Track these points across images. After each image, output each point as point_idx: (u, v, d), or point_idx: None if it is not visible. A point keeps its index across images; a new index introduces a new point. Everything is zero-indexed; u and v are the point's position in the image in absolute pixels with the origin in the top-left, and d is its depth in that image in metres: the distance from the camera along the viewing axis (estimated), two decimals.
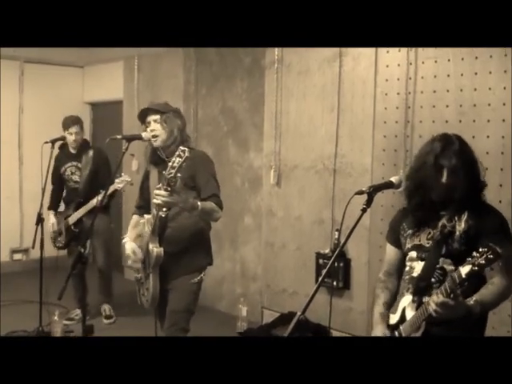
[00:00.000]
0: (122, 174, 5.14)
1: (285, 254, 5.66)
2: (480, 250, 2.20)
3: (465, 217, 2.50)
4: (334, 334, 5.14)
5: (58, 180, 5.74)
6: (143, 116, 3.66)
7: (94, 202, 5.21)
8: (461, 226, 2.49)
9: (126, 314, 5.87)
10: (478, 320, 2.54)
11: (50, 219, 5.64)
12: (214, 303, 6.40)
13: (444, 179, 2.51)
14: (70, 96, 8.33)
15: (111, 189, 4.97)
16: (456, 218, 2.52)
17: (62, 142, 5.58)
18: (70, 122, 5.56)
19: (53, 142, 5.25)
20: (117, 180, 4.92)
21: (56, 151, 5.34)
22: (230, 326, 5.70)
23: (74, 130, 5.54)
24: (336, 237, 5.04)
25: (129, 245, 3.66)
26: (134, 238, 3.68)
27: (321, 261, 5.20)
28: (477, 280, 2.49)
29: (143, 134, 3.57)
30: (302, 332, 4.88)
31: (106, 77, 8.01)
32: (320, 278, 2.26)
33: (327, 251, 5.18)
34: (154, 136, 3.56)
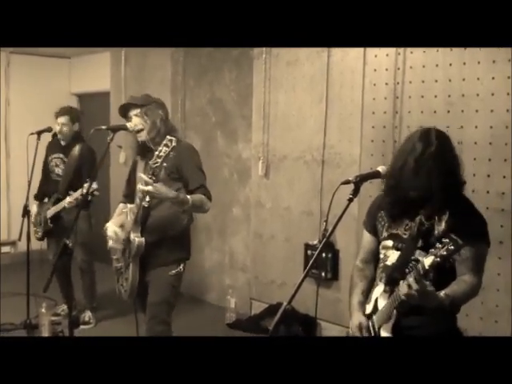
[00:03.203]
0: (94, 183, 4.73)
1: (273, 245, 5.65)
2: (442, 240, 2.23)
3: (445, 217, 2.48)
4: (322, 324, 5.15)
5: (46, 169, 5.63)
6: (125, 111, 3.63)
7: (65, 202, 4.97)
8: (441, 226, 2.47)
9: (115, 308, 5.84)
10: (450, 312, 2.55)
11: (33, 208, 5.47)
12: (202, 294, 6.40)
13: (420, 182, 2.49)
14: (57, 87, 8.27)
15: (75, 195, 4.79)
16: (436, 217, 2.50)
17: (53, 131, 5.48)
18: (60, 112, 5.45)
19: (38, 133, 5.18)
20: (85, 185, 4.50)
21: (42, 143, 5.25)
22: (219, 318, 5.71)
23: (61, 120, 5.42)
24: (324, 227, 5.03)
25: (110, 227, 3.63)
26: (118, 226, 3.65)
27: (309, 252, 5.20)
28: (446, 275, 2.48)
29: (128, 125, 3.55)
30: (289, 322, 4.89)
31: (93, 68, 7.95)
32: (306, 269, 2.25)
33: (316, 242, 5.18)
34: (138, 131, 3.54)
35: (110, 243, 3.61)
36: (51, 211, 5.30)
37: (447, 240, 2.21)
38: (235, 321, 5.61)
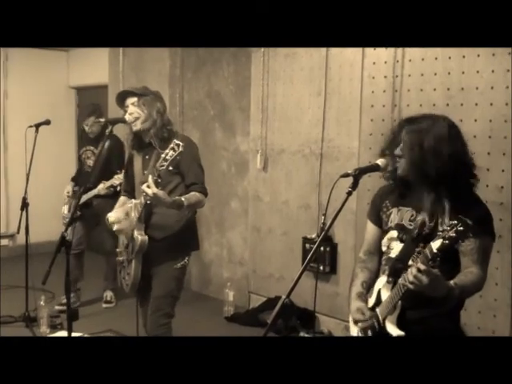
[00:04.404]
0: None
1: (271, 238, 5.65)
2: (450, 223, 2.15)
3: (448, 206, 2.44)
4: (320, 318, 5.16)
5: (79, 161, 6.03)
6: (121, 99, 3.61)
7: (94, 191, 5.30)
8: (445, 217, 2.43)
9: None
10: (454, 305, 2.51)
11: (67, 187, 5.86)
12: (200, 288, 6.41)
13: (397, 151, 2.50)
14: (55, 80, 8.25)
15: (108, 183, 5.04)
16: (440, 209, 2.46)
17: (81, 126, 5.85)
18: (86, 113, 5.78)
19: (37, 126, 5.21)
20: (115, 176, 4.97)
21: (40, 135, 5.26)
22: (217, 311, 5.71)
23: (88, 121, 5.72)
24: (322, 221, 5.03)
25: (112, 214, 3.64)
26: (122, 216, 3.64)
27: (307, 245, 5.20)
28: (450, 268, 2.45)
29: (126, 117, 3.53)
30: (287, 316, 4.89)
31: (91, 61, 7.91)
32: (305, 262, 2.24)
33: (314, 236, 5.17)
34: (133, 120, 3.52)
35: (116, 227, 3.61)
36: (81, 199, 5.41)
37: (455, 222, 2.13)
38: (233, 314, 5.61)
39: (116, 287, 5.83)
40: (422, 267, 2.20)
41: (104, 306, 5.90)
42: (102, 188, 5.18)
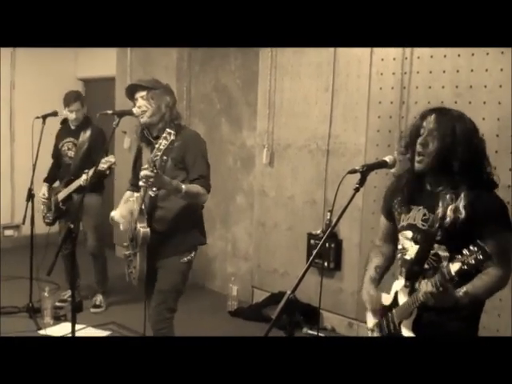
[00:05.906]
0: (110, 155, 4.91)
1: (276, 233, 5.64)
2: (470, 248, 2.16)
3: (460, 203, 2.40)
4: (325, 314, 5.16)
5: (57, 155, 5.67)
6: (131, 92, 3.59)
7: (80, 181, 5.08)
8: (461, 215, 2.39)
9: (117, 293, 5.89)
10: (473, 309, 2.50)
11: (42, 190, 5.53)
12: (205, 282, 6.41)
13: (418, 148, 2.47)
14: (63, 72, 8.24)
15: (92, 170, 4.81)
16: (452, 206, 2.42)
17: (62, 118, 5.56)
18: (71, 99, 5.44)
19: (44, 117, 5.20)
20: (102, 160, 4.70)
21: (47, 127, 5.26)
22: (221, 305, 5.72)
23: (74, 107, 5.43)
24: (328, 217, 5.02)
25: (116, 213, 3.64)
26: (126, 214, 3.65)
27: (312, 241, 5.19)
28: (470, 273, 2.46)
29: (134, 110, 3.51)
30: (291, 311, 4.88)
31: (99, 53, 7.87)
32: (310, 258, 2.23)
33: (319, 232, 5.17)
34: (142, 112, 3.51)
35: (122, 227, 3.61)
36: (63, 193, 5.35)
37: (475, 248, 2.14)
38: (237, 309, 5.61)
39: (107, 291, 5.75)
40: (430, 289, 2.29)
41: (92, 310, 5.56)
42: (84, 179, 4.93)
